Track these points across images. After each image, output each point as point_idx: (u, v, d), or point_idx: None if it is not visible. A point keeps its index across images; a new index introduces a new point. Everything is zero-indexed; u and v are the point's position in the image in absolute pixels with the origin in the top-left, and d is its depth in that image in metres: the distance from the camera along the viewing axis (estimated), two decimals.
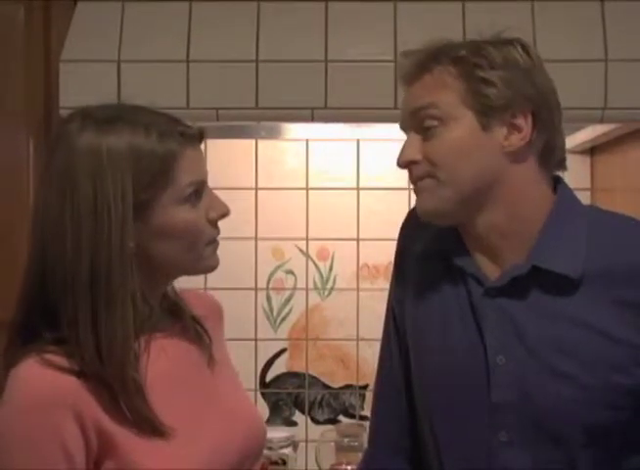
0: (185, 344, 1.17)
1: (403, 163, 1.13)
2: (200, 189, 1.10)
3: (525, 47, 1.12)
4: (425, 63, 1.12)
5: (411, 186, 1.16)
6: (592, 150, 2.13)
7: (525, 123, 1.09)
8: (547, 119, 1.11)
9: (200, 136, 1.12)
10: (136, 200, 1.04)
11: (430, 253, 1.20)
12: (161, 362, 1.10)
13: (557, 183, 1.16)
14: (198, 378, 1.15)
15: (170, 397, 1.09)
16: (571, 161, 2.14)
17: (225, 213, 1.14)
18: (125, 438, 1.02)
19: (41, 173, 1.09)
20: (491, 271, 1.14)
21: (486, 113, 1.08)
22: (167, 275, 1.15)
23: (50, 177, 1.06)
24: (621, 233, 1.12)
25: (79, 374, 1.01)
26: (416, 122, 1.12)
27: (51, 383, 1.00)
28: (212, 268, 1.15)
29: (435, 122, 1.09)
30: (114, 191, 1.03)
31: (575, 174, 2.11)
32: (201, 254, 1.12)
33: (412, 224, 1.26)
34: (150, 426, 1.03)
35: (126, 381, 1.03)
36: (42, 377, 1.00)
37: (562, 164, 1.16)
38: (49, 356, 1.01)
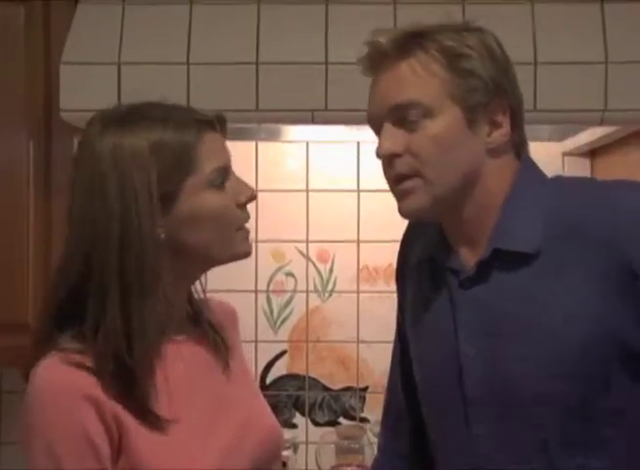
0: (202, 350, 1.17)
1: (386, 155, 1.08)
2: (224, 174, 1.12)
3: (495, 37, 1.11)
4: (408, 46, 1.07)
5: None
6: (592, 152, 2.12)
7: (504, 119, 1.08)
8: (520, 113, 1.11)
9: (219, 122, 1.14)
10: (162, 191, 1.06)
11: (422, 259, 1.20)
12: (178, 367, 1.11)
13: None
14: (213, 384, 1.16)
15: (186, 401, 1.10)
16: (572, 163, 2.16)
17: (253, 197, 1.15)
18: (138, 435, 1.03)
19: (69, 180, 1.12)
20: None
21: (473, 109, 1.06)
22: (199, 266, 1.15)
23: (78, 184, 1.09)
24: (577, 194, 1.09)
25: (94, 371, 1.03)
26: (397, 115, 1.07)
27: (70, 378, 1.02)
28: (245, 255, 1.15)
29: (421, 114, 1.05)
30: (141, 183, 1.05)
31: None
32: (232, 239, 1.12)
33: (410, 237, 1.27)
34: (154, 420, 1.04)
35: (152, 371, 1.05)
36: (62, 373, 1.02)
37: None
38: (67, 354, 1.03)
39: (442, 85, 1.06)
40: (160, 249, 1.06)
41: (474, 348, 1.09)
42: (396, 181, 1.09)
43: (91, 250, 1.05)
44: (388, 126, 1.08)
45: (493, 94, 1.07)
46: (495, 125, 1.08)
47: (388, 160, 1.08)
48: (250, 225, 1.07)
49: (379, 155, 1.09)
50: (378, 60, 1.10)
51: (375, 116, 1.11)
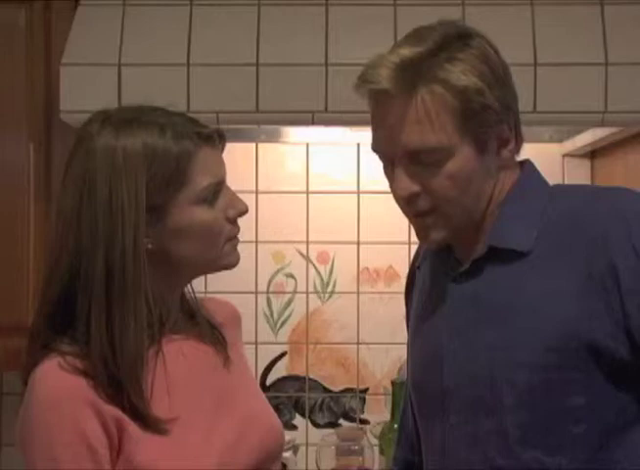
0: (203, 347, 1.18)
1: (406, 196, 1.07)
2: (217, 189, 1.11)
3: (490, 42, 1.08)
4: (409, 84, 1.03)
5: None
6: (593, 153, 2.13)
7: (510, 134, 1.07)
8: (518, 114, 1.09)
9: (218, 137, 1.13)
10: (152, 201, 1.06)
11: (425, 263, 1.23)
12: (180, 364, 1.12)
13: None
14: (214, 380, 1.16)
15: (187, 398, 1.10)
16: (572, 164, 2.16)
17: (243, 211, 1.15)
18: (138, 437, 1.04)
19: (62, 175, 1.11)
20: None
21: (482, 138, 1.05)
22: (188, 274, 1.16)
23: (69, 179, 1.08)
24: (577, 199, 1.09)
25: (92, 376, 1.03)
26: (413, 157, 1.05)
27: (69, 382, 1.02)
28: (232, 265, 1.16)
29: (439, 157, 1.04)
30: (129, 192, 1.05)
31: (576, 178, 2.11)
32: (220, 251, 1.13)
33: (421, 249, 1.29)
34: (152, 424, 1.04)
35: (138, 380, 1.05)
36: (60, 377, 1.02)
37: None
38: (65, 358, 1.03)
39: (455, 126, 1.03)
40: (142, 259, 1.05)
41: (456, 339, 1.10)
42: (416, 216, 1.10)
43: (78, 252, 1.05)
44: (402, 168, 1.06)
45: (502, 115, 1.05)
46: (502, 142, 1.07)
47: (406, 200, 1.08)
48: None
49: (397, 197, 1.09)
50: (380, 95, 1.05)
51: (386, 153, 1.09)
